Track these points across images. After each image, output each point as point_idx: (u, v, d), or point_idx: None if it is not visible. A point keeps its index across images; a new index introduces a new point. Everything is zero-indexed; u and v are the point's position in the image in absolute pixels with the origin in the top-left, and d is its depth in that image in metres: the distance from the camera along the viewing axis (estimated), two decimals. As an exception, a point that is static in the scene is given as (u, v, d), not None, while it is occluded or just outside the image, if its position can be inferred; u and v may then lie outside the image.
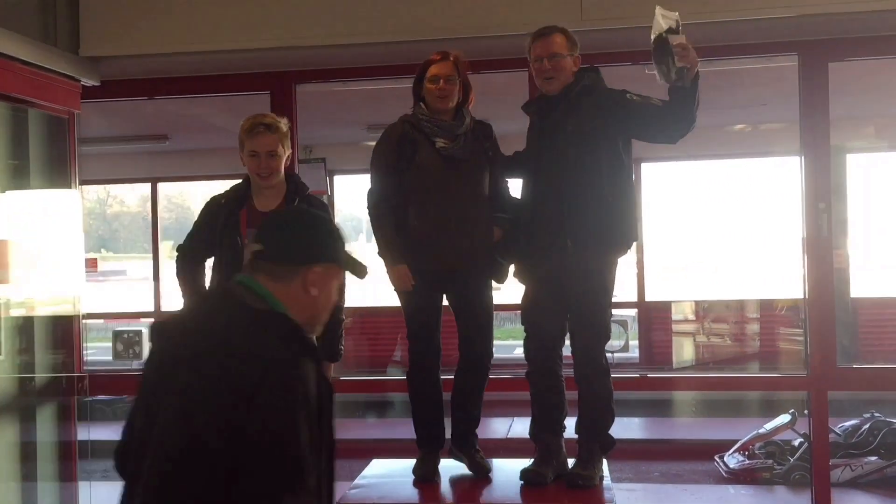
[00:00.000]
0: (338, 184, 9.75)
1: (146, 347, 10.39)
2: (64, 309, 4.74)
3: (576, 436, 3.35)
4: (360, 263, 1.94)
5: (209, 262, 3.52)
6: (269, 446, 1.61)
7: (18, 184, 4.64)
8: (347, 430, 8.24)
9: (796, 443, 6.62)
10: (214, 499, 1.61)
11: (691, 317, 9.41)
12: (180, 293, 3.55)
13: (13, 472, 4.50)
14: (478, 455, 3.46)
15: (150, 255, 10.11)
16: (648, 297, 9.46)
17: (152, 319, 3.26)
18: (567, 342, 3.39)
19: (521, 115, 3.48)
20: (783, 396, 6.92)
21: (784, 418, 6.67)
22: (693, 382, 6.52)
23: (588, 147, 3.19)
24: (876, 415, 6.78)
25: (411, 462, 3.52)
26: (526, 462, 3.39)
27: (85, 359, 4.82)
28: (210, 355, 1.68)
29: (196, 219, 3.57)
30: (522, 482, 3.29)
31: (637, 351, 9.46)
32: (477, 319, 3.40)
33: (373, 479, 3.59)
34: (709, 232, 11.37)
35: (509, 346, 8.78)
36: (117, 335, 9.37)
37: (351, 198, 11.18)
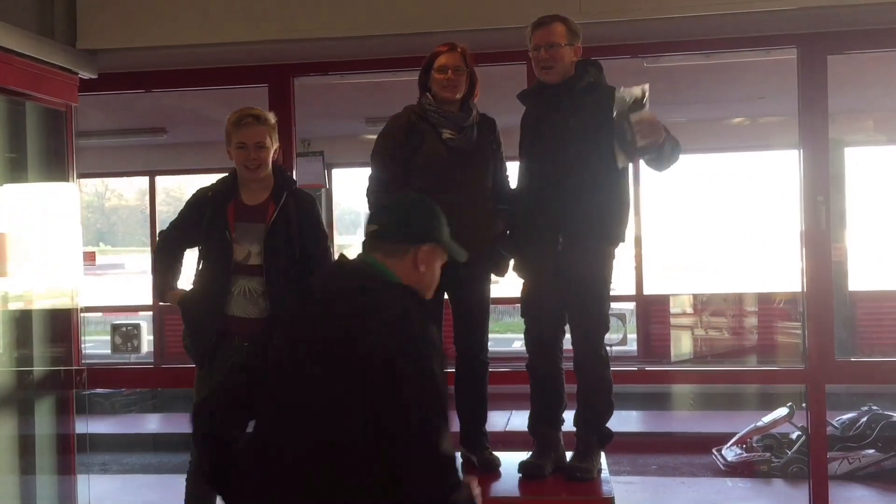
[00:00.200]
0: (336, 177, 9.75)
1: (145, 341, 10.38)
2: (62, 302, 4.74)
3: (574, 429, 3.35)
4: (460, 248, 2.22)
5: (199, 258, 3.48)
6: (424, 393, 1.90)
7: (16, 177, 4.63)
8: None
9: (794, 436, 6.64)
10: (379, 444, 1.87)
11: (689, 310, 9.43)
12: (153, 280, 3.53)
13: (12, 466, 4.51)
14: (487, 451, 3.45)
15: (149, 249, 10.10)
16: (647, 291, 9.47)
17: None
18: (567, 336, 3.39)
19: (517, 109, 3.46)
20: (781, 389, 6.94)
21: (782, 411, 6.68)
22: (691, 376, 6.56)
23: (589, 145, 3.17)
24: (873, 408, 6.80)
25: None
26: (524, 455, 3.39)
27: (83, 352, 4.82)
28: (354, 326, 1.93)
29: (181, 210, 3.54)
30: (521, 475, 3.29)
31: (635, 344, 9.47)
32: (475, 313, 3.40)
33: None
34: (707, 226, 11.37)
35: (507, 339, 8.80)
36: (115, 328, 9.38)
37: (349, 191, 11.18)
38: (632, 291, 9.34)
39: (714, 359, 9.13)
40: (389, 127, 3.39)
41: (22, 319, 4.61)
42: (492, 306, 3.47)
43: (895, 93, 7.31)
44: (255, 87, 4.71)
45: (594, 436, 3.33)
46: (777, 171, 9.20)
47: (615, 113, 3.07)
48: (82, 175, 4.87)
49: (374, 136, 3.47)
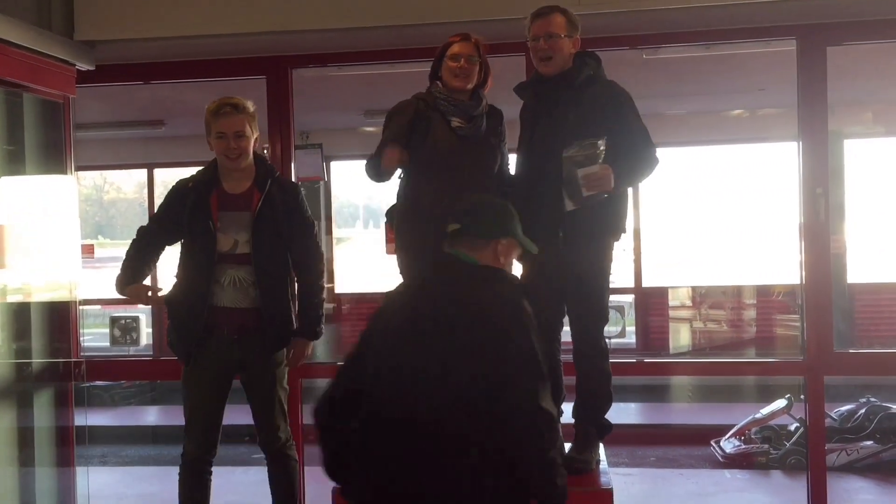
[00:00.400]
0: (335, 170, 9.73)
1: (144, 333, 10.37)
2: (60, 295, 4.73)
3: (573, 420, 3.36)
4: (532, 243, 2.57)
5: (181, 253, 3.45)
6: (526, 358, 2.26)
7: (14, 169, 4.62)
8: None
9: (792, 427, 6.65)
10: (488, 402, 2.20)
11: (688, 303, 9.43)
12: (120, 272, 3.46)
13: (10, 458, 4.51)
14: None
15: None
16: (645, 284, 9.47)
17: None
18: (566, 328, 3.39)
19: (514, 101, 3.45)
20: (779, 381, 6.95)
21: (780, 403, 6.69)
22: (689, 368, 6.55)
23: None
24: (872, 399, 6.81)
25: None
26: (523, 447, 3.38)
27: (82, 344, 4.81)
28: (471, 305, 2.28)
29: (161, 203, 3.51)
30: (519, 466, 3.30)
31: (634, 336, 9.48)
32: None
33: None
34: (706, 218, 11.36)
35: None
36: (114, 321, 9.39)
37: (348, 184, 11.16)
38: (630, 284, 9.35)
39: (713, 351, 9.13)
40: (397, 110, 3.37)
41: (20, 312, 4.60)
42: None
43: (895, 84, 7.30)
44: (254, 78, 4.69)
45: (593, 427, 3.33)
46: (776, 162, 9.19)
47: (563, 171, 3.08)
48: (80, 168, 4.85)
49: (373, 129, 3.46)
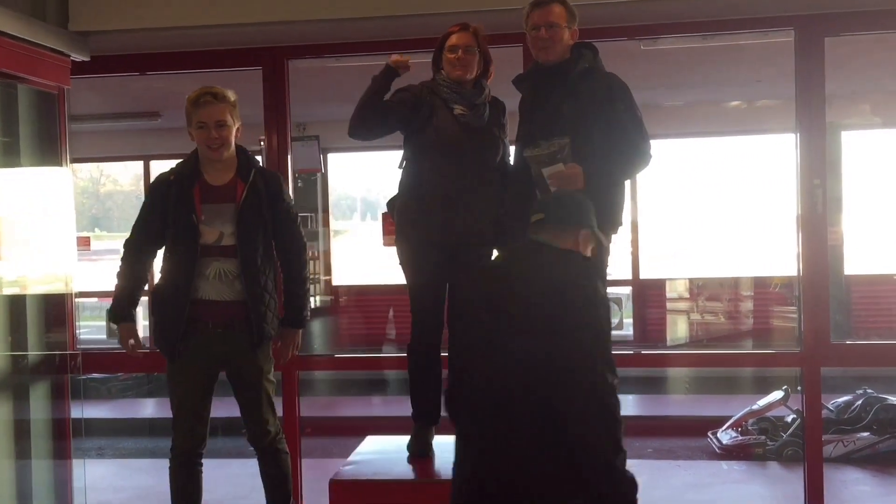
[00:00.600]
0: (332, 161, 9.70)
1: (140, 326, 10.40)
2: (56, 287, 4.72)
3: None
4: (603, 237, 2.81)
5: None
6: (605, 323, 2.48)
7: (8, 161, 4.60)
8: (342, 408, 8.26)
9: (789, 419, 6.66)
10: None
11: (685, 294, 9.43)
12: (114, 300, 3.44)
13: (7, 450, 4.50)
14: None
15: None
16: (643, 275, 9.47)
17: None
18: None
19: (512, 93, 3.44)
20: (776, 373, 6.95)
21: (777, 394, 6.70)
22: (687, 359, 6.55)
23: (582, 132, 3.16)
24: (868, 391, 6.82)
25: (405, 439, 3.52)
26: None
27: (78, 337, 4.80)
28: (558, 282, 2.48)
29: (144, 202, 3.45)
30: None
31: (631, 328, 9.49)
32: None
33: (367, 455, 3.60)
34: (703, 209, 11.36)
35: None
36: (110, 313, 9.36)
37: (345, 176, 11.14)
38: (628, 276, 9.35)
39: (710, 342, 9.14)
40: (402, 89, 3.36)
41: (16, 304, 4.59)
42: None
43: (892, 75, 7.29)
44: (250, 69, 4.67)
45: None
46: (774, 154, 9.19)
47: (532, 171, 3.13)
48: (76, 160, 4.83)
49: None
